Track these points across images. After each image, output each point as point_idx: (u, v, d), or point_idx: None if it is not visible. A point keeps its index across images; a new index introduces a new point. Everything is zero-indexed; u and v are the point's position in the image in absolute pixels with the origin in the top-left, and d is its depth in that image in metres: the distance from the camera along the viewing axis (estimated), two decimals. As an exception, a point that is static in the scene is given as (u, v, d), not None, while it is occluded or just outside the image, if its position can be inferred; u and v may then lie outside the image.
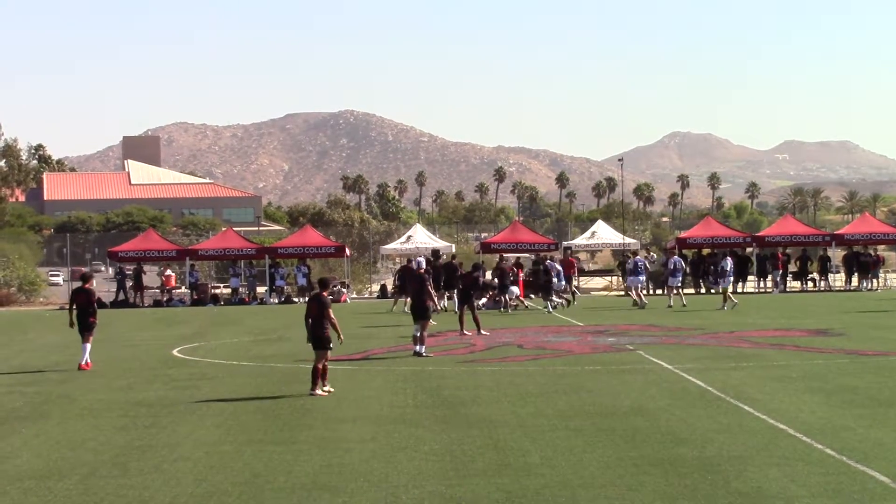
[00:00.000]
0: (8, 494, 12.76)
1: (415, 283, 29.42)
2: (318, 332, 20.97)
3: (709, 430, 15.72)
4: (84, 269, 46.82)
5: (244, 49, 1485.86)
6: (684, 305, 46.32)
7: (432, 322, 30.55)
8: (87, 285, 28.00)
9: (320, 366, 20.75)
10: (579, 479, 12.77)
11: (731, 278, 47.02)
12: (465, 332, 33.51)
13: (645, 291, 52.67)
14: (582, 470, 13.24)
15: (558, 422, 16.73)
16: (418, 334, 27.64)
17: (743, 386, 20.31)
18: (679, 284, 48.35)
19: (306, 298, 62.84)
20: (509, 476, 12.99)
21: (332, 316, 21.13)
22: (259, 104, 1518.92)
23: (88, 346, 26.81)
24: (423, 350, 27.44)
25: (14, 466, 14.40)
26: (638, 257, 52.50)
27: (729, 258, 46.90)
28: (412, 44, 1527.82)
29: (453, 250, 68.46)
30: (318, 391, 20.53)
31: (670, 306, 45.77)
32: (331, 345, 20.98)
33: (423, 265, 30.50)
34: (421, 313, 28.00)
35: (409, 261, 47.68)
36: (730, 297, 45.02)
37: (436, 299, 34.79)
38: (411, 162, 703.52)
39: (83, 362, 26.49)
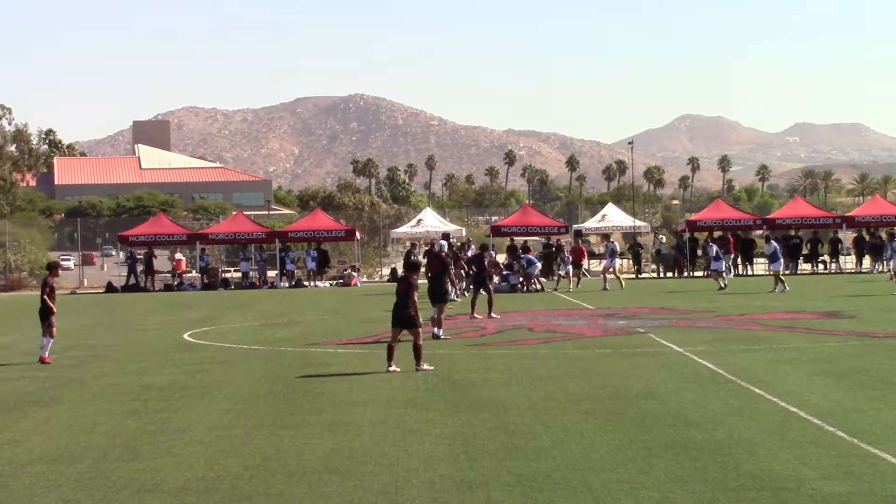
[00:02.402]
0: (20, 478, 12.78)
1: (436, 266, 29.45)
2: (404, 311, 21.88)
3: (720, 413, 15.71)
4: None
5: (254, 33, 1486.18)
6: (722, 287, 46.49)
7: (451, 304, 30.75)
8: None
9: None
10: (590, 462, 12.76)
11: (781, 261, 47.03)
12: (476, 315, 33.50)
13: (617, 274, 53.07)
14: (593, 453, 13.23)
15: (569, 405, 16.72)
16: (436, 316, 27.74)
17: (754, 368, 20.29)
18: (722, 269, 48.37)
19: (316, 283, 63.16)
20: (520, 459, 12.98)
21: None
22: (269, 88, 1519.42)
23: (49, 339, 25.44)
24: (441, 332, 27.52)
25: (25, 450, 14.43)
26: (612, 241, 54.88)
27: (774, 241, 47.58)
28: (422, 28, 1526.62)
29: (464, 234, 68.55)
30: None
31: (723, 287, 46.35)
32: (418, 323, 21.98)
33: (445, 248, 30.60)
34: (439, 296, 28.09)
35: (432, 244, 47.91)
36: (780, 280, 45.09)
37: (456, 285, 35.03)
38: (421, 146, 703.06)
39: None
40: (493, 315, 33.38)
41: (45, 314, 25.33)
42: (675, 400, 16.98)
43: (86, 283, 72.51)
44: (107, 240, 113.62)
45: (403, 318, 21.71)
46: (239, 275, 67.47)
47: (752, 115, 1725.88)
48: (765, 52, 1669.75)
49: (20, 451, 14.43)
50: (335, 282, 65.20)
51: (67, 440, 15.08)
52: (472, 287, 36.31)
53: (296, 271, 65.59)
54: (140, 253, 66.97)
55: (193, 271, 68.96)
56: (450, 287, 29.21)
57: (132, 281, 65.35)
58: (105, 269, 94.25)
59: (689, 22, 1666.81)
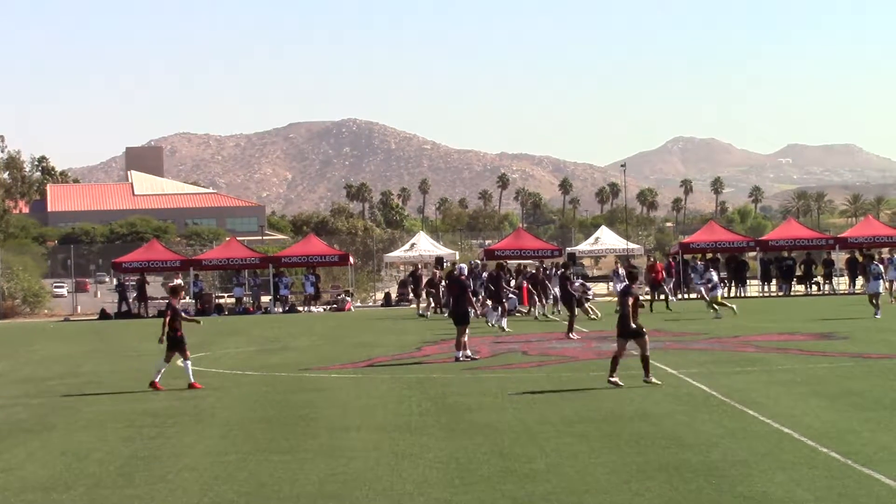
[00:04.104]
0: (13, 506, 12.76)
1: (455, 289, 29.51)
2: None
3: (713, 435, 15.71)
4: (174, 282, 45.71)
5: (246, 58, 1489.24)
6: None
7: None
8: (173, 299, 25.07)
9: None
10: (585, 484, 12.76)
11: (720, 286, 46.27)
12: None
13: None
14: (587, 476, 13.23)
15: (563, 427, 16.72)
16: (458, 339, 27.87)
17: (748, 390, 20.30)
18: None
19: (310, 308, 63.15)
20: (514, 482, 12.98)
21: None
22: (261, 113, 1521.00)
23: (167, 364, 24.43)
24: (462, 355, 27.62)
25: (19, 478, 14.40)
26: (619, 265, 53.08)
27: (713, 270, 45.99)
28: (414, 52, 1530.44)
29: (457, 258, 68.56)
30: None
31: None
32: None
33: (465, 272, 30.76)
34: (461, 319, 28.15)
35: (452, 266, 48.18)
36: (723, 304, 43.39)
37: (477, 307, 35.15)
38: (414, 170, 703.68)
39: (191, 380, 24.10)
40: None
41: (176, 341, 24.01)
42: (669, 422, 16.98)
43: (79, 310, 72.42)
44: (100, 266, 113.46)
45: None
46: (233, 300, 67.49)
47: (745, 136, 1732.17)
48: (757, 74, 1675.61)
49: (13, 479, 14.39)
50: (329, 307, 65.21)
51: (61, 467, 15.04)
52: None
53: (290, 296, 65.57)
54: (132, 280, 66.87)
55: (187, 297, 68.87)
56: (470, 310, 29.29)
57: (124, 308, 65.30)
58: (99, 295, 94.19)
59: (682, 44, 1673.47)
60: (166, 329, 23.97)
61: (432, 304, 52.83)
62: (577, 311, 35.99)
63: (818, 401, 18.77)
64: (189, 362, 24.19)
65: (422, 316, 50.85)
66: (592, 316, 42.60)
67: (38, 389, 25.11)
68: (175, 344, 24.04)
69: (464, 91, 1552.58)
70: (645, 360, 21.36)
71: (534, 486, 12.73)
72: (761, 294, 65.48)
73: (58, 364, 32.05)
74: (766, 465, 13.49)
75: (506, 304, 40.08)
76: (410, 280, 55.39)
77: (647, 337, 21.55)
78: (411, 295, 60.29)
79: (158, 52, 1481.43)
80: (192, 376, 24.03)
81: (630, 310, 21.57)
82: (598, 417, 17.64)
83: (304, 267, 68.14)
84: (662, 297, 51.11)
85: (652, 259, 59.56)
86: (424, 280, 54.41)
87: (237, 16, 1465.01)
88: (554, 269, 47.11)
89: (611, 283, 64.30)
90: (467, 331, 28.62)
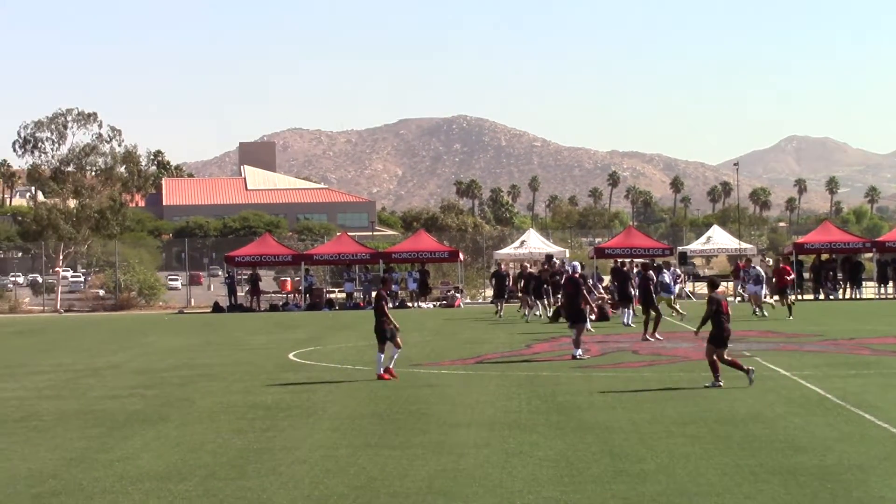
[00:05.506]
0: (129, 495, 12.97)
1: (569, 287, 29.43)
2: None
3: (828, 439, 15.49)
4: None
5: (358, 55, 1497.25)
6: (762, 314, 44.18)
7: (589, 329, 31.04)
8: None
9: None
10: (696, 486, 12.65)
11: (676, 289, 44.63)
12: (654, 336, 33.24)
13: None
14: (699, 477, 13.11)
15: (674, 428, 16.59)
16: (575, 337, 27.84)
17: (863, 393, 19.98)
18: (755, 293, 44.94)
19: (419, 304, 63.34)
20: (625, 483, 12.91)
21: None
22: (373, 110, 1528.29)
23: (381, 355, 24.41)
24: (579, 353, 27.57)
25: (135, 468, 14.64)
26: (754, 265, 47.93)
27: (666, 271, 43.79)
28: (525, 49, 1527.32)
29: (567, 255, 68.27)
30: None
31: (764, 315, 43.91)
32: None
33: (579, 269, 30.64)
34: (576, 317, 28.12)
35: (562, 264, 47.43)
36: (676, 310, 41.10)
37: (592, 304, 34.67)
38: (524, 167, 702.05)
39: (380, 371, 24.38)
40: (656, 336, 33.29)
41: (383, 332, 24.12)
42: (782, 424, 16.77)
43: (193, 303, 73.42)
44: (213, 260, 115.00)
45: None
46: (343, 295, 67.91)
47: (861, 135, 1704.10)
48: (874, 71, 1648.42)
49: (130, 468, 14.63)
50: (438, 303, 65.37)
51: (176, 458, 15.27)
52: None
53: (399, 292, 65.81)
54: (243, 273, 67.57)
55: (295, 293, 69.44)
56: (585, 308, 29.21)
57: (234, 301, 66.01)
58: (212, 288, 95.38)
59: (797, 42, 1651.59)
60: (384, 318, 24.11)
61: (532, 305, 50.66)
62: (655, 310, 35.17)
63: (936, 406, 18.41)
64: (398, 350, 24.49)
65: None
66: (677, 315, 41.21)
67: (153, 381, 25.49)
68: (383, 333, 24.19)
69: (575, 88, 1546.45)
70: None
71: (644, 487, 12.65)
72: (877, 296, 64.38)
73: (172, 356, 32.51)
74: (884, 471, 13.27)
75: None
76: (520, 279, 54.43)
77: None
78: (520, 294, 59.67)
79: (271, 50, 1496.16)
80: (382, 367, 24.25)
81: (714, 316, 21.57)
82: (710, 419, 17.47)
83: (413, 263, 68.40)
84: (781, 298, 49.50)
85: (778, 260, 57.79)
86: (512, 279, 53.82)
87: (350, 13, 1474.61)
88: (636, 269, 45.49)
89: (730, 283, 62.70)
90: (583, 329, 28.59)
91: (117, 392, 23.41)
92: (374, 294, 25.08)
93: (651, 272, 35.65)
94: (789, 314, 42.39)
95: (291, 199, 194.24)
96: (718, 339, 21.47)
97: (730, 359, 21.61)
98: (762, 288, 44.95)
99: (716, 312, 21.49)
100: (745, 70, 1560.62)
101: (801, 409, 18.29)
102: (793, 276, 49.17)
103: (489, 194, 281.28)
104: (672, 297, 39.92)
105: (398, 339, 24.32)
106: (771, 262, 67.33)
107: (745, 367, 21.36)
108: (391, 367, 24.22)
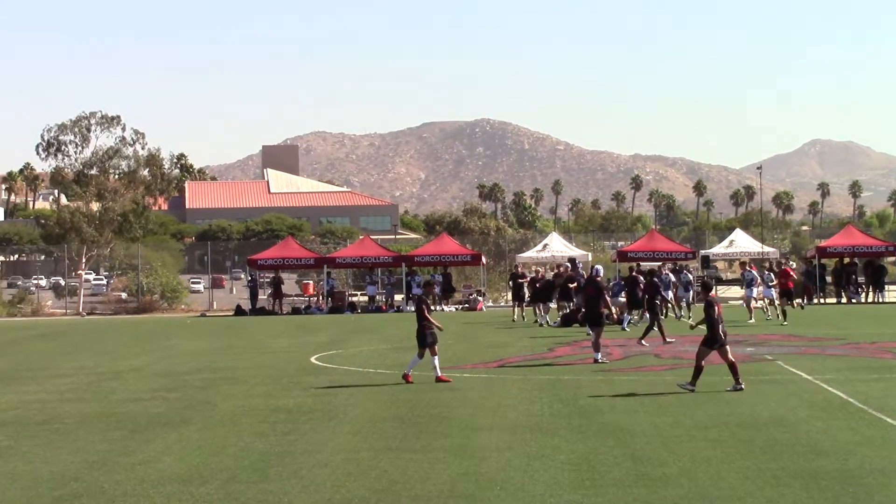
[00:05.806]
0: (151, 498, 13.00)
1: (591, 290, 29.40)
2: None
3: (850, 442, 15.43)
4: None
5: (381, 58, 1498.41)
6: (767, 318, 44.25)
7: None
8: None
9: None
10: (718, 490, 12.62)
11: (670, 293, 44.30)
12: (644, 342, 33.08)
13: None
14: (720, 481, 13.08)
15: (696, 432, 16.56)
16: (595, 341, 27.85)
17: (886, 397, 19.90)
18: (752, 296, 44.96)
19: (442, 306, 63.32)
20: (646, 486, 12.89)
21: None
22: (396, 113, 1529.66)
23: (418, 359, 24.50)
24: (600, 356, 27.55)
25: (157, 471, 14.68)
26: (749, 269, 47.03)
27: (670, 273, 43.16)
28: (548, 52, 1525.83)
29: (589, 259, 68.21)
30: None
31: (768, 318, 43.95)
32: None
33: (601, 273, 30.71)
34: (595, 320, 28.14)
35: (573, 269, 46.94)
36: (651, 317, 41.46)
37: (613, 309, 34.52)
38: (547, 170, 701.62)
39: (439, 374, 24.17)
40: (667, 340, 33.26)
41: (425, 336, 24.21)
42: (804, 428, 16.72)
43: (215, 306, 73.63)
44: (236, 263, 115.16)
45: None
46: (365, 298, 68.01)
47: (885, 139, 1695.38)
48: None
49: (152, 471, 14.67)
50: (461, 306, 65.39)
51: (197, 461, 15.30)
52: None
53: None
54: (265, 276, 67.69)
55: (320, 297, 69.50)
56: (605, 311, 29.19)
57: (256, 304, 66.17)
58: (234, 292, 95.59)
59: (820, 46, 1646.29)
60: (425, 323, 24.29)
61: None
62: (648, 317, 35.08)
63: (960, 410, 18.33)
64: (436, 357, 24.33)
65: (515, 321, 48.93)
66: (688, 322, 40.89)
67: (175, 384, 25.55)
68: (424, 339, 24.27)
69: (597, 91, 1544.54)
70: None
71: (666, 491, 12.63)
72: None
73: (194, 359, 32.59)
74: (906, 475, 13.21)
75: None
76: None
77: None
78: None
79: (295, 52, 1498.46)
80: (414, 369, 24.41)
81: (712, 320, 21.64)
82: (731, 422, 17.43)
83: (436, 266, 68.46)
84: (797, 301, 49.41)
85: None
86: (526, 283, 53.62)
87: (372, 16, 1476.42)
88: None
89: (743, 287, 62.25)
90: (602, 332, 28.56)
91: (139, 395, 23.47)
92: (415, 299, 25.24)
93: (656, 279, 35.99)
94: (783, 318, 42.19)
95: (314, 203, 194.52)
96: (712, 342, 21.51)
97: (731, 360, 21.57)
98: (753, 291, 44.90)
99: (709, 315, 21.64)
100: (769, 74, 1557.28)
101: (823, 413, 18.23)
102: (794, 277, 49.36)
103: (512, 198, 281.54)
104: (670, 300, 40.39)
105: (435, 347, 24.27)
106: (794, 266, 67.26)
107: (739, 381, 21.30)
108: (440, 374, 24.07)
